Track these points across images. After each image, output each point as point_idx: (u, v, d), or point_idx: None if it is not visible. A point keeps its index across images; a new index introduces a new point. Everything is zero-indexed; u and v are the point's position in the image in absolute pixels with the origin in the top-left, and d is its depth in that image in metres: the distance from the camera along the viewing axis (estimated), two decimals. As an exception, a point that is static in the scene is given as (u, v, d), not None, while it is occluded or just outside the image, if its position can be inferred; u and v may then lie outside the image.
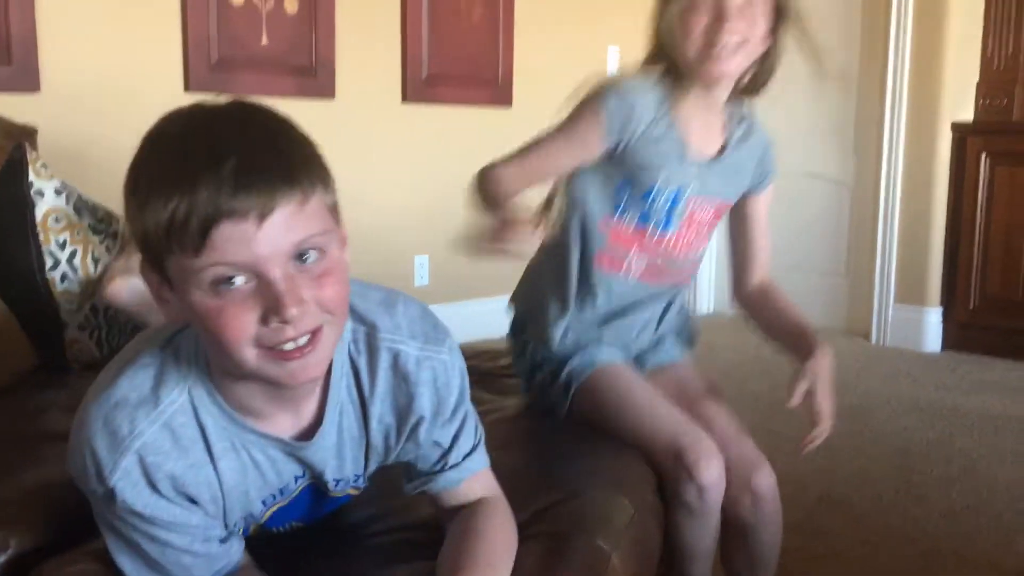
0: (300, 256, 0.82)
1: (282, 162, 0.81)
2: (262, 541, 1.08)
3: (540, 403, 1.58)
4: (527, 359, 1.59)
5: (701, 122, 1.49)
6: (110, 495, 0.89)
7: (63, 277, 1.82)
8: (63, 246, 1.84)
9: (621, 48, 4.43)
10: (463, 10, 3.74)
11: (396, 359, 0.99)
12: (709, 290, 4.75)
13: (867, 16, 4.08)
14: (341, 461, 1.02)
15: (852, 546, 2.10)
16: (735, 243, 1.68)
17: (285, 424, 0.97)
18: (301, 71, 3.26)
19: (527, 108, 3.77)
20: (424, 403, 1.00)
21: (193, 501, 0.93)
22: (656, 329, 1.65)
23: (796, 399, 1.49)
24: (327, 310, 0.84)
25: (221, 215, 0.77)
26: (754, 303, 1.70)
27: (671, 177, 1.46)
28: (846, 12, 4.14)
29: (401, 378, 0.99)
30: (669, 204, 1.49)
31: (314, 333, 0.84)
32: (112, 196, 2.29)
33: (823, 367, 1.57)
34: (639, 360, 1.64)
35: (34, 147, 2.08)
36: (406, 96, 3.61)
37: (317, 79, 3.31)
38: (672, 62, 1.44)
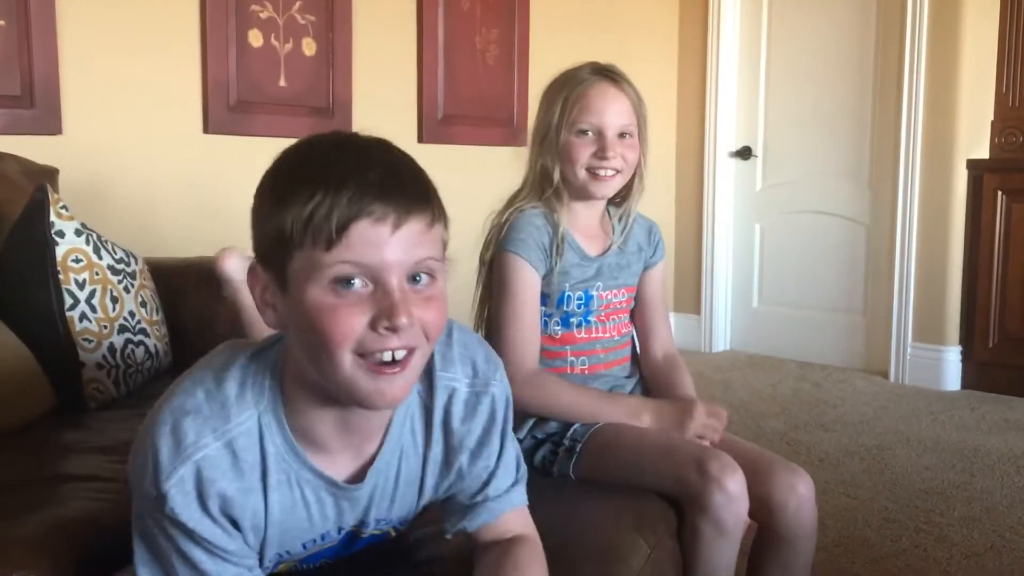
0: (413, 277, 0.87)
1: (419, 184, 0.89)
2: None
3: (545, 477, 1.58)
4: (529, 441, 1.60)
5: (589, 225, 1.67)
6: (161, 500, 0.89)
7: (82, 316, 1.83)
8: (82, 286, 1.85)
9: (635, 88, 4.46)
10: (478, 51, 3.78)
11: (451, 398, 1.02)
12: (725, 328, 4.73)
13: (881, 54, 4.10)
14: (391, 504, 1.02)
15: (873, 588, 2.07)
16: (635, 320, 1.77)
17: (344, 463, 0.98)
18: (319, 112, 3.30)
19: (542, 148, 3.79)
20: (472, 440, 1.02)
21: (236, 526, 0.93)
22: None
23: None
24: (426, 333, 0.88)
25: (362, 214, 0.83)
26: (654, 374, 1.75)
27: (577, 281, 1.62)
28: (860, 50, 4.17)
29: (451, 416, 1.01)
30: (583, 304, 1.63)
31: (410, 352, 0.88)
32: (131, 237, 2.32)
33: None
34: None
35: (55, 188, 2.11)
36: (422, 136, 3.64)
37: (334, 120, 3.34)
38: (552, 187, 1.60)
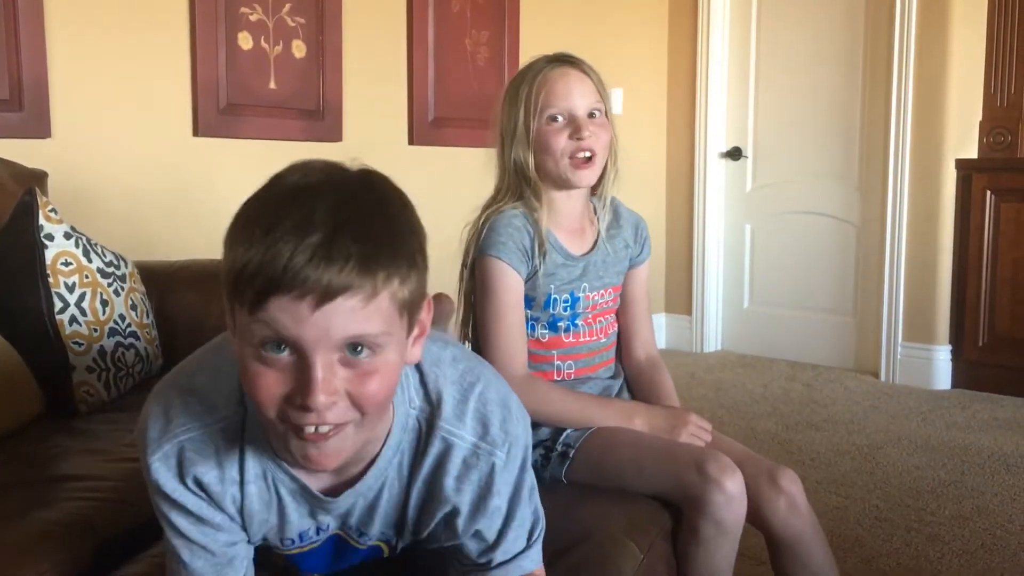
0: (353, 347, 0.81)
1: (364, 252, 0.79)
2: None
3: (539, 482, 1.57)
4: None
5: (572, 223, 1.64)
6: (147, 470, 0.93)
7: (72, 320, 1.83)
8: (72, 289, 1.85)
9: (625, 91, 4.47)
10: (469, 53, 3.78)
11: (447, 451, 0.98)
12: (716, 329, 4.74)
13: (870, 55, 4.11)
14: (371, 521, 1.01)
15: (865, 587, 2.08)
16: (619, 319, 1.76)
17: (324, 476, 0.96)
18: (309, 114, 3.29)
19: (533, 149, 3.79)
20: (464, 499, 0.99)
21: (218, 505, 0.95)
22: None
23: None
24: (359, 408, 0.83)
25: (282, 288, 0.76)
26: (636, 375, 1.74)
27: (562, 283, 1.60)
28: (849, 51, 4.18)
29: (444, 470, 0.98)
30: (570, 307, 1.61)
31: (336, 427, 0.83)
32: (121, 240, 2.31)
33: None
34: None
35: (44, 192, 2.10)
36: (413, 139, 3.64)
37: (324, 122, 3.34)
38: (530, 184, 1.58)
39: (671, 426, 1.54)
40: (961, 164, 3.84)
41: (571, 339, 1.63)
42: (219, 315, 2.14)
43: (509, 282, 1.55)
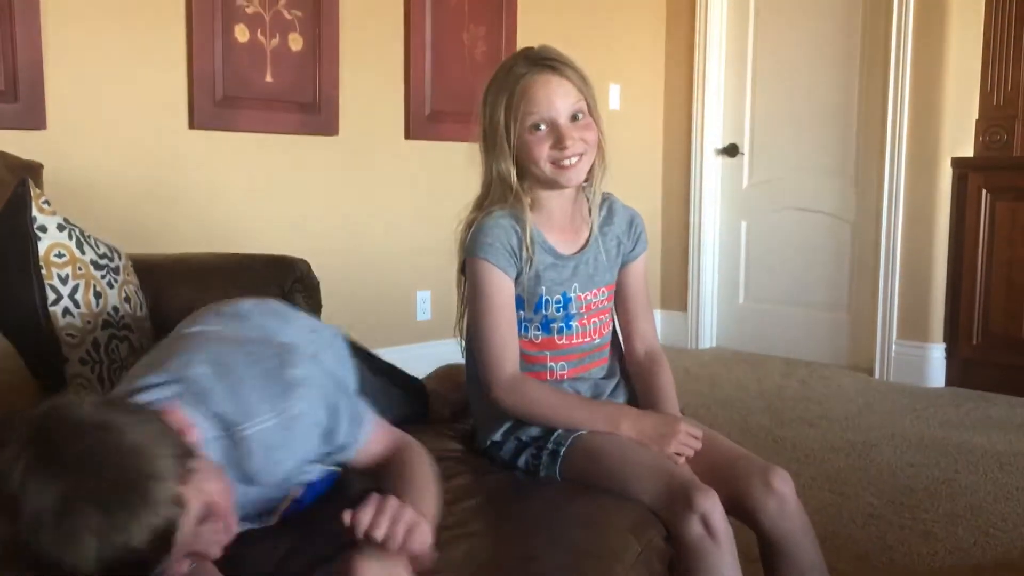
0: None
1: (80, 523, 0.86)
2: None
3: (534, 478, 1.56)
4: (511, 444, 1.58)
5: (563, 221, 1.63)
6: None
7: (65, 312, 1.82)
8: (65, 281, 1.84)
9: (622, 86, 4.47)
10: (466, 47, 3.77)
11: (256, 441, 1.13)
12: (711, 325, 4.75)
13: (867, 52, 4.11)
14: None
15: (858, 584, 2.08)
16: (617, 315, 1.74)
17: None
18: (305, 108, 3.29)
19: (529, 144, 3.79)
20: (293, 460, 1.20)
21: None
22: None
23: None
24: None
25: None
26: (637, 372, 1.72)
27: (553, 283, 1.59)
28: (847, 48, 4.18)
29: (266, 454, 1.15)
30: (562, 307, 1.60)
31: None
32: (115, 232, 2.30)
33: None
34: None
35: (38, 183, 2.10)
36: (409, 132, 3.63)
37: (321, 115, 3.33)
38: (512, 191, 1.56)
39: (659, 435, 1.51)
40: (957, 162, 3.84)
41: (564, 340, 1.62)
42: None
43: (497, 283, 1.54)
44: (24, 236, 1.81)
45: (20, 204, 1.84)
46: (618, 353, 1.75)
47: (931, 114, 3.85)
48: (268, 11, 3.15)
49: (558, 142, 1.52)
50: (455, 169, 3.71)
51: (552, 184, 1.57)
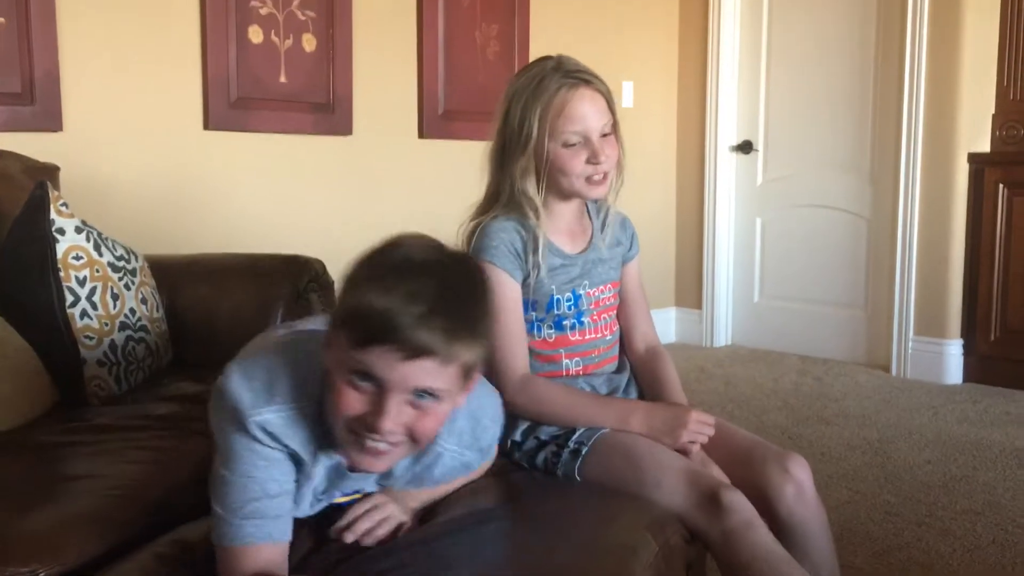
0: (421, 394, 1.04)
1: (449, 330, 1.01)
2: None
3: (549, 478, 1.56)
4: (532, 442, 1.58)
5: (568, 224, 1.66)
6: (243, 423, 1.11)
7: (83, 314, 1.83)
8: (83, 283, 1.85)
9: (635, 83, 4.46)
10: (478, 46, 3.78)
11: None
12: (726, 323, 4.73)
13: (882, 47, 4.09)
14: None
15: (875, 582, 2.07)
16: (618, 316, 1.76)
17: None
18: (319, 108, 3.30)
19: (543, 143, 3.78)
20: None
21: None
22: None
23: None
24: (412, 438, 1.08)
25: (386, 340, 0.99)
26: (640, 368, 1.74)
27: (562, 283, 1.61)
28: (861, 43, 4.16)
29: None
30: (573, 305, 1.62)
31: (392, 444, 1.07)
32: (131, 234, 2.32)
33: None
34: None
35: (56, 186, 2.11)
36: (423, 132, 3.64)
37: (335, 116, 3.34)
38: (529, 202, 1.57)
39: (670, 428, 1.52)
40: (973, 158, 3.82)
41: (577, 336, 1.64)
42: (229, 308, 2.17)
43: (503, 286, 1.55)
44: (42, 239, 1.83)
45: (38, 207, 1.86)
46: (624, 352, 1.77)
47: (947, 109, 3.83)
48: (282, 12, 3.16)
49: (592, 157, 1.54)
50: (469, 168, 3.71)
51: (575, 196, 1.60)
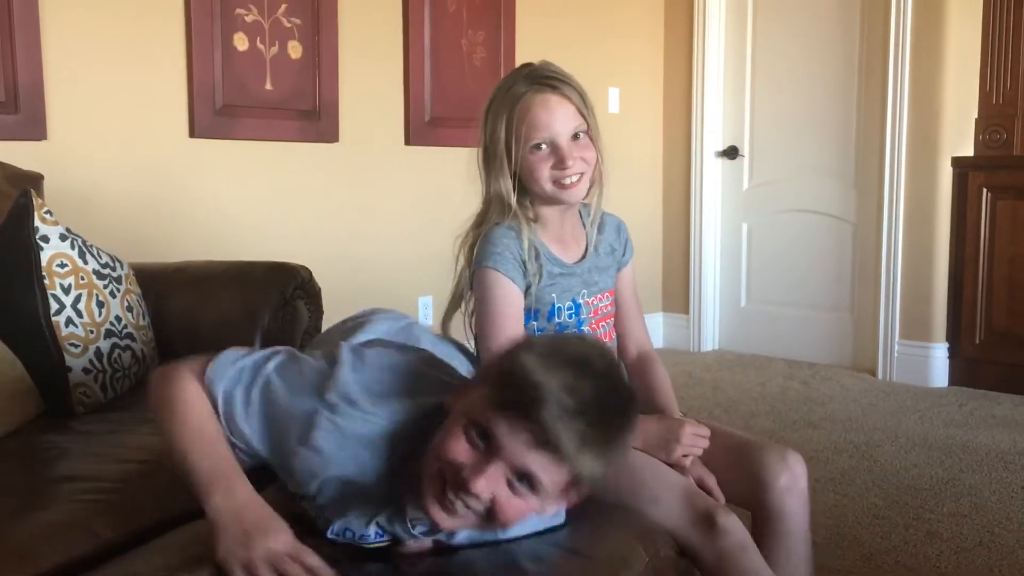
0: (521, 478, 1.03)
1: (585, 438, 1.01)
2: None
3: None
4: None
5: (564, 232, 1.65)
6: (335, 386, 1.14)
7: (68, 322, 1.82)
8: (68, 291, 1.84)
9: (621, 90, 4.47)
10: (465, 53, 3.78)
11: None
12: (713, 328, 4.74)
13: (866, 52, 4.11)
14: None
15: (863, 585, 2.08)
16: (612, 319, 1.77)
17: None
18: (305, 115, 3.29)
19: (529, 149, 3.79)
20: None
21: None
22: None
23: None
24: (489, 516, 1.05)
25: (529, 428, 1.00)
26: (632, 373, 1.74)
27: (562, 292, 1.61)
28: (845, 49, 4.18)
29: None
30: (573, 314, 1.62)
31: (469, 510, 1.05)
32: (117, 242, 2.30)
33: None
34: None
35: (40, 194, 2.10)
36: (409, 139, 3.63)
37: (321, 123, 3.34)
38: (511, 211, 1.57)
39: (665, 442, 1.52)
40: (957, 162, 3.84)
41: None
42: (215, 315, 2.15)
43: (506, 293, 1.54)
44: (27, 246, 1.82)
45: (22, 215, 1.85)
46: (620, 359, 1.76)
47: (931, 113, 3.86)
48: (267, 19, 3.15)
49: (559, 162, 1.53)
50: (456, 174, 3.70)
51: (554, 201, 1.59)
